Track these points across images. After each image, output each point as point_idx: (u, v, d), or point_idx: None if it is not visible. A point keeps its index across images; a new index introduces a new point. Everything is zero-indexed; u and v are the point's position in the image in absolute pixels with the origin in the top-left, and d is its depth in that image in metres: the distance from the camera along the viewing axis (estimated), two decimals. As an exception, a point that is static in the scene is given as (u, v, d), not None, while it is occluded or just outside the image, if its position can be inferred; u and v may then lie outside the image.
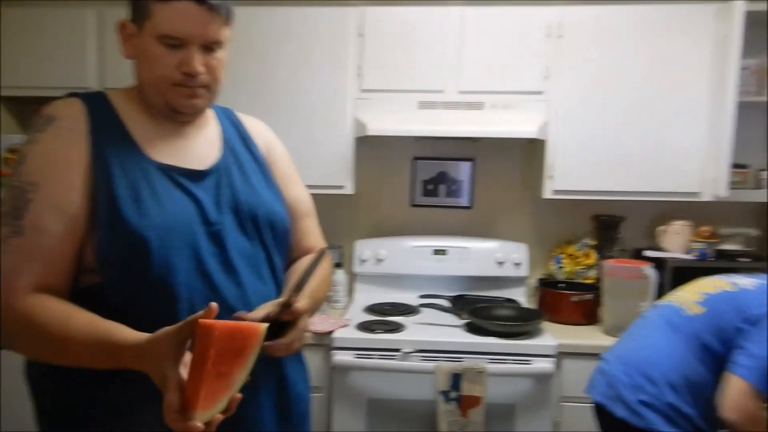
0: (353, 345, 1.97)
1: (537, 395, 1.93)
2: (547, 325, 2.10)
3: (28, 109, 2.42)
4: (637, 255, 2.31)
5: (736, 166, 2.20)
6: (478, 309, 2.12)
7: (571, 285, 2.34)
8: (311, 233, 1.26)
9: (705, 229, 2.27)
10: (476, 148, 2.56)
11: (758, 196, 2.26)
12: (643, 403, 1.43)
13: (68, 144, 0.98)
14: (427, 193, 2.60)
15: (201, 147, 1.10)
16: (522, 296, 2.44)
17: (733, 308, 1.42)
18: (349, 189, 2.29)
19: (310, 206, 1.27)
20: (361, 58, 2.23)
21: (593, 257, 2.39)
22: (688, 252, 2.24)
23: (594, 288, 2.26)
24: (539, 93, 2.20)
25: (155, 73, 1.01)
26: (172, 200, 1.00)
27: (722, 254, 2.25)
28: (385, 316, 2.19)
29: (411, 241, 2.48)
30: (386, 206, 2.61)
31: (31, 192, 0.95)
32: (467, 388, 1.87)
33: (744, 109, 2.15)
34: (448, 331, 2.04)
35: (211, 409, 0.81)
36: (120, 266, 0.96)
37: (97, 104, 1.04)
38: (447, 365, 1.89)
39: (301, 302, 1.00)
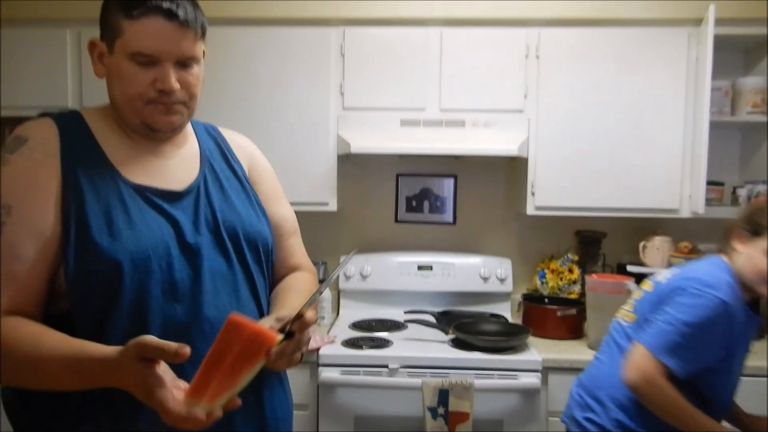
0: (340, 362, 1.96)
1: (524, 410, 1.93)
2: (532, 340, 2.11)
3: (3, 130, 2.39)
4: (620, 270, 2.35)
5: (711, 183, 2.27)
6: (463, 324, 2.13)
7: (556, 300, 2.36)
8: (297, 251, 1.25)
9: (685, 244, 2.32)
10: (459, 165, 2.59)
11: (734, 212, 2.32)
12: (589, 420, 1.48)
13: (40, 166, 0.95)
14: (411, 209, 2.62)
15: (178, 166, 1.07)
16: (507, 311, 2.45)
17: (653, 305, 1.46)
18: (333, 206, 2.30)
19: (295, 224, 1.26)
20: (342, 76, 2.26)
21: (576, 272, 2.42)
22: (668, 267, 2.28)
23: (578, 303, 2.29)
24: (519, 111, 2.24)
25: (129, 92, 0.99)
26: (146, 223, 0.98)
27: (700, 268, 2.29)
28: (371, 332, 2.19)
29: (396, 257, 2.49)
30: (370, 223, 2.63)
31: (3, 215, 0.92)
32: (455, 404, 1.87)
33: (717, 128, 2.23)
34: (435, 347, 2.04)
35: (214, 403, 0.81)
36: (90, 293, 0.93)
37: (71, 124, 1.01)
38: (434, 381, 1.89)
39: (310, 313, 0.97)
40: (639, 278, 2.17)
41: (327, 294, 2.38)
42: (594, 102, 2.22)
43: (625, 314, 1.56)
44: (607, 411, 1.46)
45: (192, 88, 1.03)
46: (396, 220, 2.62)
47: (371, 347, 2.02)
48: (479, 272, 2.44)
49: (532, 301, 2.36)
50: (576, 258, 2.46)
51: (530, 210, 2.27)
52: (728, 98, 2.30)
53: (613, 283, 2.11)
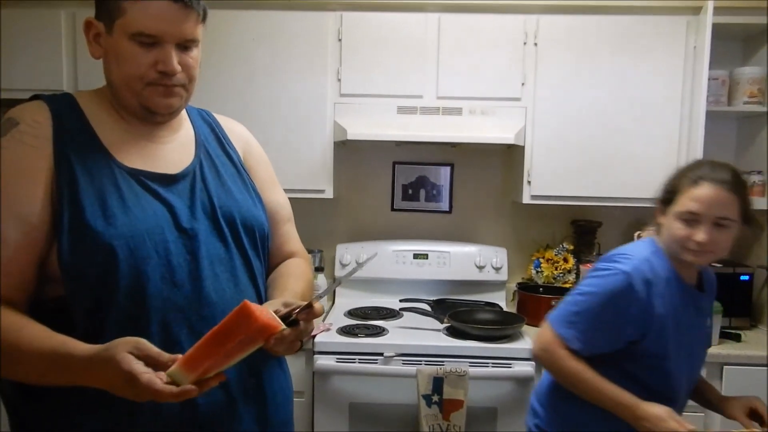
0: (335, 349, 1.96)
1: (518, 398, 1.95)
2: (527, 329, 2.12)
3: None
4: (613, 259, 2.36)
5: (707, 172, 2.27)
6: (458, 313, 2.13)
7: (550, 289, 2.37)
8: (292, 238, 1.25)
9: (678, 233, 2.33)
10: (455, 153, 2.58)
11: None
12: (537, 426, 1.48)
13: (31, 150, 0.94)
14: (407, 197, 2.61)
15: (174, 150, 1.07)
16: (502, 300, 2.46)
17: None
18: (329, 193, 2.29)
19: (289, 211, 1.26)
20: (340, 62, 2.24)
21: (571, 262, 2.43)
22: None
23: (572, 291, 2.29)
24: (516, 99, 2.23)
25: (128, 72, 0.98)
26: (141, 207, 0.97)
27: (694, 258, 2.31)
28: (366, 320, 2.19)
29: (392, 246, 2.49)
30: (367, 210, 2.62)
31: None
32: (449, 392, 1.88)
33: (714, 118, 2.22)
34: (430, 335, 2.05)
35: (199, 378, 0.84)
36: (86, 277, 0.92)
37: (64, 107, 1.00)
38: (428, 369, 1.90)
39: (318, 305, 0.97)
40: (634, 268, 2.18)
41: (322, 282, 2.38)
42: (591, 91, 2.21)
43: None
44: (550, 416, 1.46)
45: (191, 70, 1.02)
46: (392, 208, 2.61)
47: (366, 335, 2.02)
48: (475, 261, 2.45)
49: (526, 290, 2.37)
50: (571, 247, 2.46)
51: (526, 199, 2.27)
52: (725, 88, 2.30)
53: (607, 272, 2.11)
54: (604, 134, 2.23)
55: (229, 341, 0.85)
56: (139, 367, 0.81)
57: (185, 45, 1.00)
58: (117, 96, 1.02)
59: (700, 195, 1.29)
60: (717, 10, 2.07)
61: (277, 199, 1.23)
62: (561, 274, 2.43)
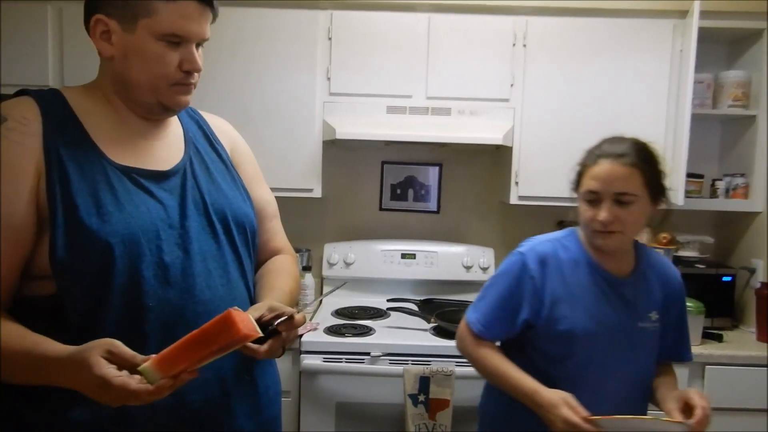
0: (322, 349, 1.96)
1: (503, 397, 1.96)
2: (512, 328, 2.13)
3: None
4: (599, 260, 2.38)
5: (691, 175, 2.30)
6: (446, 312, 2.14)
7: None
8: (278, 234, 1.27)
9: (664, 235, 2.36)
10: (444, 154, 2.59)
11: (712, 205, 2.36)
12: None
13: (18, 147, 0.93)
14: (396, 197, 2.61)
15: (164, 147, 1.07)
16: (488, 300, 2.47)
17: None
18: (317, 192, 2.29)
19: (276, 207, 1.28)
20: (329, 61, 2.23)
21: (557, 262, 2.44)
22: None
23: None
24: (505, 100, 2.24)
25: (155, 72, 0.99)
26: (134, 204, 0.97)
27: (679, 261, 2.34)
28: (353, 320, 2.19)
29: (379, 245, 2.49)
30: (355, 210, 2.62)
31: None
32: (435, 391, 1.88)
33: (699, 121, 2.25)
34: (417, 335, 2.05)
35: (167, 375, 0.84)
36: (81, 275, 0.92)
37: (52, 103, 0.99)
38: (415, 368, 1.90)
39: (299, 316, 1.00)
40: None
41: (310, 281, 2.37)
42: (579, 92, 2.22)
43: None
44: (481, 417, 1.47)
45: (201, 68, 1.05)
46: (380, 208, 2.62)
47: (354, 335, 2.02)
48: (462, 261, 2.46)
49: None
50: (558, 247, 2.48)
51: (514, 199, 2.29)
52: (710, 91, 2.33)
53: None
54: (592, 136, 2.19)
55: (207, 347, 0.85)
56: (111, 371, 0.81)
57: (199, 44, 1.03)
58: (132, 93, 1.02)
59: (597, 172, 1.26)
60: (703, 14, 2.10)
61: (264, 195, 1.24)
62: (547, 275, 2.44)
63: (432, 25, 2.22)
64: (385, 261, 2.47)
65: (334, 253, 2.47)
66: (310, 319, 2.20)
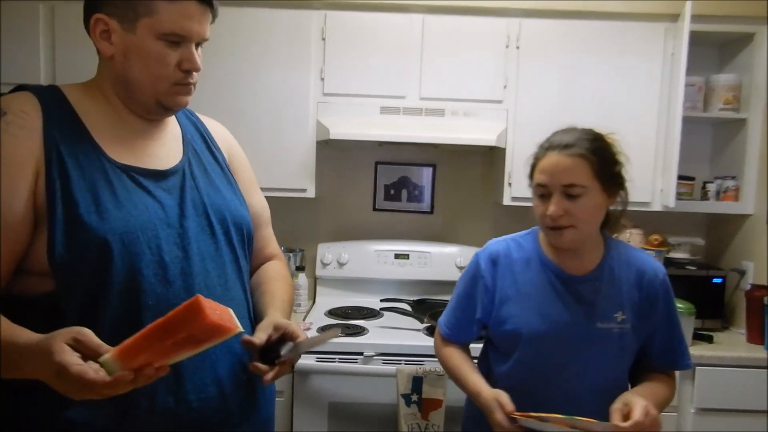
0: (315, 348, 1.96)
1: (495, 397, 1.96)
2: (505, 329, 2.14)
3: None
4: (591, 261, 2.39)
5: (683, 178, 2.32)
6: (439, 313, 2.12)
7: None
8: (272, 241, 1.30)
9: (655, 237, 2.37)
10: (437, 154, 2.60)
11: (703, 207, 2.38)
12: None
13: (17, 142, 0.92)
14: (389, 197, 2.62)
15: (163, 147, 1.07)
16: (481, 300, 2.48)
17: None
18: (311, 192, 2.29)
19: (269, 214, 1.30)
20: (323, 61, 2.24)
21: (549, 263, 2.45)
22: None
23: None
24: (498, 102, 2.25)
25: (156, 72, 0.99)
26: (133, 203, 0.97)
27: (671, 262, 2.35)
28: (347, 320, 2.20)
29: (373, 245, 2.50)
30: (349, 210, 2.62)
31: None
32: (428, 391, 1.89)
33: (690, 123, 2.27)
34: (410, 335, 2.06)
35: (128, 367, 0.78)
36: (79, 272, 0.91)
37: (52, 99, 0.99)
38: (408, 368, 1.91)
39: (304, 338, 1.06)
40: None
41: (303, 281, 2.37)
42: (571, 94, 2.24)
43: None
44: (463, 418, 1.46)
45: (200, 68, 1.05)
46: (374, 208, 2.62)
47: (347, 335, 2.02)
48: (455, 261, 2.46)
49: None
50: (550, 248, 2.49)
51: (507, 200, 2.30)
52: (701, 94, 2.35)
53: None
54: (584, 138, 2.25)
55: (170, 337, 0.78)
56: (70, 358, 0.76)
57: (198, 43, 1.03)
58: (131, 92, 1.02)
59: (545, 165, 1.22)
60: (694, 18, 2.12)
61: (260, 201, 1.25)
62: (540, 275, 2.45)
63: (426, 26, 2.23)
64: (378, 261, 2.47)
65: (328, 253, 2.47)
66: (303, 319, 2.20)
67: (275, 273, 1.23)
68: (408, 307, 2.25)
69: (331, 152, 2.55)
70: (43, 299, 0.93)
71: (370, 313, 2.28)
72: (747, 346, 2.10)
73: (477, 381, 1.26)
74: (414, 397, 1.89)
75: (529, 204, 2.38)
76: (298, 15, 2.22)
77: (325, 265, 2.46)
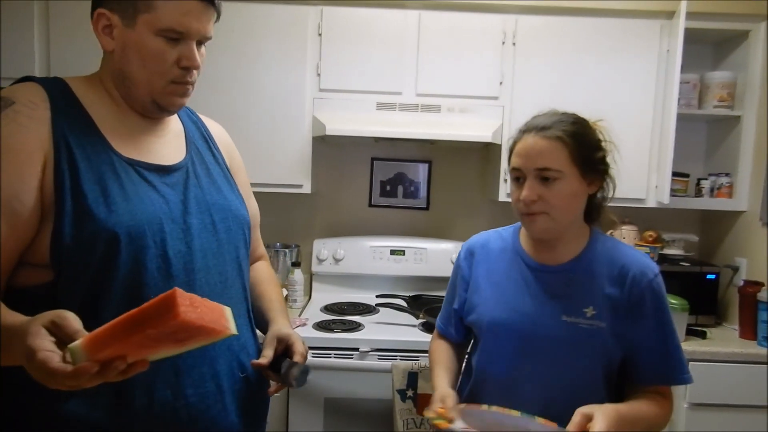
0: (311, 344, 1.94)
1: (490, 393, 1.97)
2: (500, 325, 2.15)
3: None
4: (586, 257, 2.40)
5: (677, 174, 2.33)
6: (434, 309, 2.14)
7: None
8: (260, 242, 1.34)
9: (650, 233, 2.39)
10: (433, 151, 2.60)
11: (697, 203, 2.40)
12: None
13: (26, 131, 0.92)
14: (385, 193, 2.62)
15: (167, 144, 1.07)
16: (476, 296, 2.49)
17: None
18: (307, 188, 2.28)
19: (259, 217, 1.32)
20: (320, 57, 2.23)
21: (545, 259, 2.46)
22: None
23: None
24: (494, 98, 2.26)
25: (151, 68, 0.99)
26: (139, 197, 0.97)
27: (665, 258, 2.37)
28: (342, 316, 2.20)
29: (369, 241, 2.50)
30: (344, 206, 2.62)
31: None
32: (423, 387, 1.89)
33: (684, 120, 2.28)
34: (405, 331, 2.07)
35: (95, 358, 0.72)
36: (86, 265, 0.91)
37: (58, 91, 0.99)
38: (403, 364, 1.91)
39: (298, 354, 1.12)
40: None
41: (299, 277, 2.37)
42: (567, 91, 2.24)
43: None
44: None
45: (200, 68, 1.05)
46: (370, 204, 2.62)
47: (342, 330, 2.03)
48: (451, 257, 2.47)
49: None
50: (545, 245, 2.50)
51: (502, 197, 2.30)
52: (696, 91, 2.36)
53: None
54: (579, 134, 2.26)
55: (138, 331, 0.71)
56: (41, 343, 0.72)
57: (200, 42, 1.03)
58: (129, 88, 1.01)
59: (520, 148, 1.16)
60: (689, 15, 2.12)
61: (253, 206, 1.28)
62: (535, 272, 2.46)
63: (422, 23, 2.23)
64: (374, 257, 2.47)
65: (324, 249, 2.47)
66: (299, 315, 2.20)
67: (267, 275, 1.29)
68: (403, 303, 2.25)
69: (327, 148, 2.55)
70: (39, 290, 0.92)
71: (365, 309, 2.29)
72: (740, 341, 2.11)
73: (439, 378, 1.22)
74: (409, 393, 1.90)
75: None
76: (295, 10, 2.21)
77: (320, 260, 2.46)
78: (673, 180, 2.22)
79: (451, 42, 2.23)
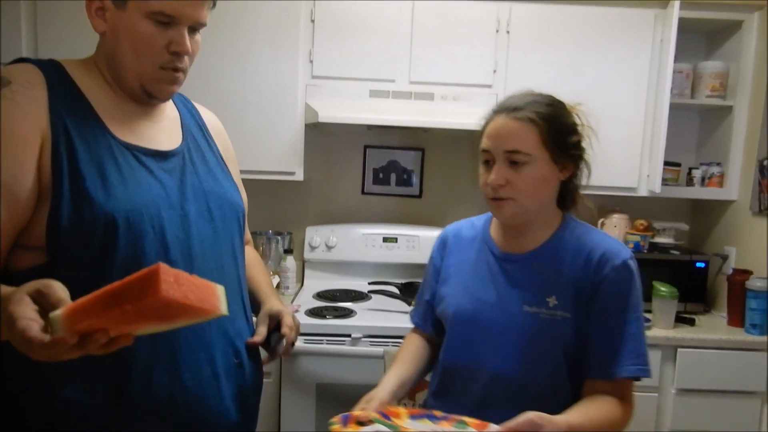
0: (303, 330, 1.95)
1: (481, 379, 1.99)
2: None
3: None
4: (577, 245, 2.41)
5: (669, 163, 2.34)
6: (426, 296, 2.16)
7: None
8: (247, 229, 1.33)
9: (640, 222, 2.40)
10: (426, 138, 2.60)
11: (688, 192, 2.41)
12: None
13: (23, 112, 0.90)
14: (378, 181, 2.62)
15: (163, 130, 1.07)
16: (468, 284, 2.50)
17: None
18: (299, 175, 2.28)
19: (247, 205, 1.32)
20: (312, 44, 2.22)
21: (536, 247, 2.48)
22: (624, 244, 2.36)
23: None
24: (488, 86, 2.25)
25: (141, 51, 0.97)
26: (137, 181, 0.96)
27: (655, 247, 2.39)
28: (335, 302, 2.21)
29: (361, 229, 2.50)
30: (337, 193, 2.62)
31: None
32: (415, 373, 1.91)
33: (677, 110, 2.29)
34: (397, 317, 2.08)
35: (75, 329, 0.70)
36: (84, 249, 0.91)
37: (54, 73, 0.97)
38: (395, 350, 1.91)
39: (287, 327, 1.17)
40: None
41: (291, 264, 2.38)
42: (560, 79, 2.24)
43: None
44: None
45: (194, 55, 1.04)
46: (362, 192, 2.62)
47: (335, 317, 2.04)
48: (443, 245, 2.48)
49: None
50: (537, 233, 2.51)
51: (495, 185, 2.30)
52: (689, 81, 2.36)
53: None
54: (572, 123, 2.26)
55: (117, 305, 0.68)
56: (22, 310, 0.70)
57: (194, 28, 1.01)
58: (119, 72, 1.00)
59: (490, 129, 1.11)
60: (683, 4, 2.12)
61: (244, 194, 1.27)
62: (527, 260, 2.47)
63: (416, 9, 2.22)
64: (366, 244, 2.48)
65: (316, 236, 2.47)
66: (292, 302, 2.21)
67: (253, 259, 1.32)
68: (396, 290, 2.26)
69: (320, 135, 2.54)
70: (32, 273, 0.90)
71: (358, 296, 2.30)
72: (727, 329, 2.14)
73: (386, 378, 1.19)
74: (401, 379, 1.91)
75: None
76: (288, -4, 2.19)
77: (313, 248, 2.47)
78: (664, 169, 2.24)
79: (445, 29, 2.22)
